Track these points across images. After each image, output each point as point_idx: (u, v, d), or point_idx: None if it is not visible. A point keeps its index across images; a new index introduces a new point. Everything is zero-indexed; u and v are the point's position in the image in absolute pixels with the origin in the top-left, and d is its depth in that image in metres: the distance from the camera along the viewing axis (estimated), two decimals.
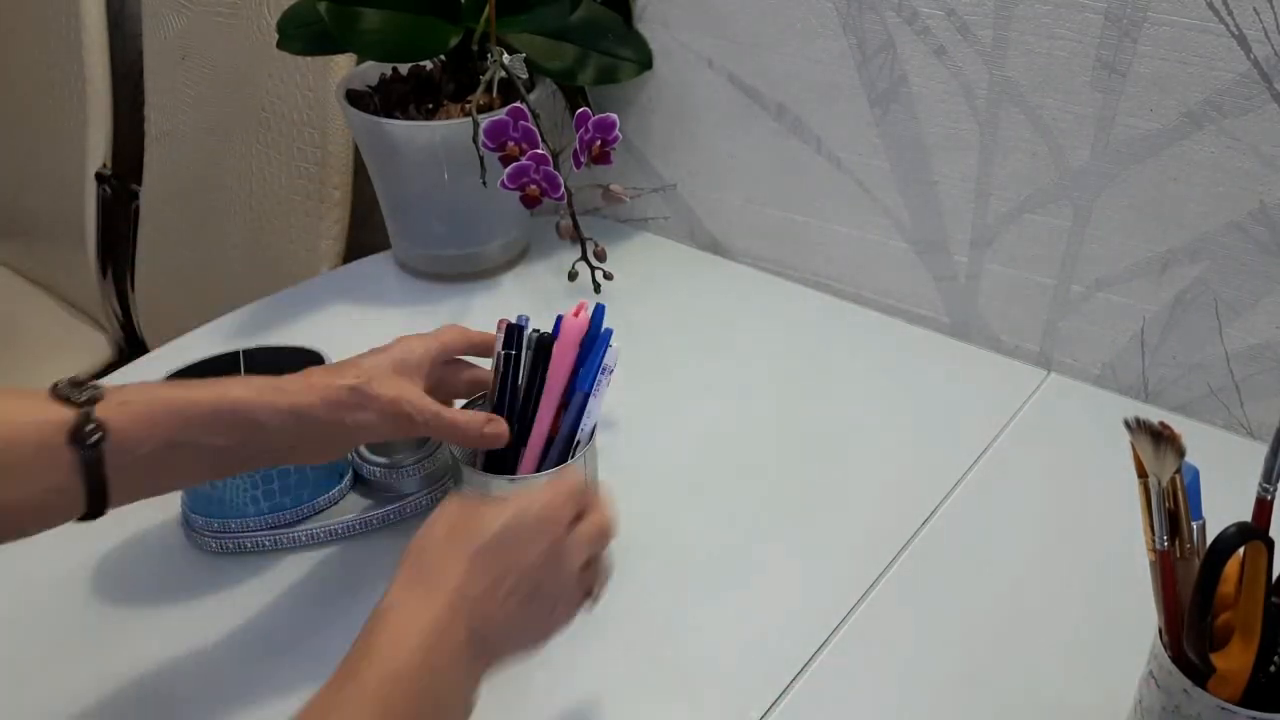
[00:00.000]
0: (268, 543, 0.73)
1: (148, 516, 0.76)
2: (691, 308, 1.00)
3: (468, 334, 0.72)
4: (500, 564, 0.53)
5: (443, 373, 0.70)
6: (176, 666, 0.67)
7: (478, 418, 0.68)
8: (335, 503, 0.75)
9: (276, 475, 0.72)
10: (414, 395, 0.65)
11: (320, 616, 0.70)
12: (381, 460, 0.76)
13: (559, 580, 0.55)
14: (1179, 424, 0.89)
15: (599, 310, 0.68)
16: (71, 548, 0.73)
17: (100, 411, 0.54)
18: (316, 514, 0.74)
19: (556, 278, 1.03)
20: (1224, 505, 0.77)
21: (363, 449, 0.76)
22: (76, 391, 0.55)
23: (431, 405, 0.66)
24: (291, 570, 0.73)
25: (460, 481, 0.70)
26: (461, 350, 0.71)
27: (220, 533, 0.73)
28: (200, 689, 0.65)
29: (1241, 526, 0.50)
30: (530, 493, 0.56)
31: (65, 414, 0.53)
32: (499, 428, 0.68)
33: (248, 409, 0.59)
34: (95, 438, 0.53)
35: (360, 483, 0.77)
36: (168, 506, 0.76)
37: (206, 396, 0.58)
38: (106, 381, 0.58)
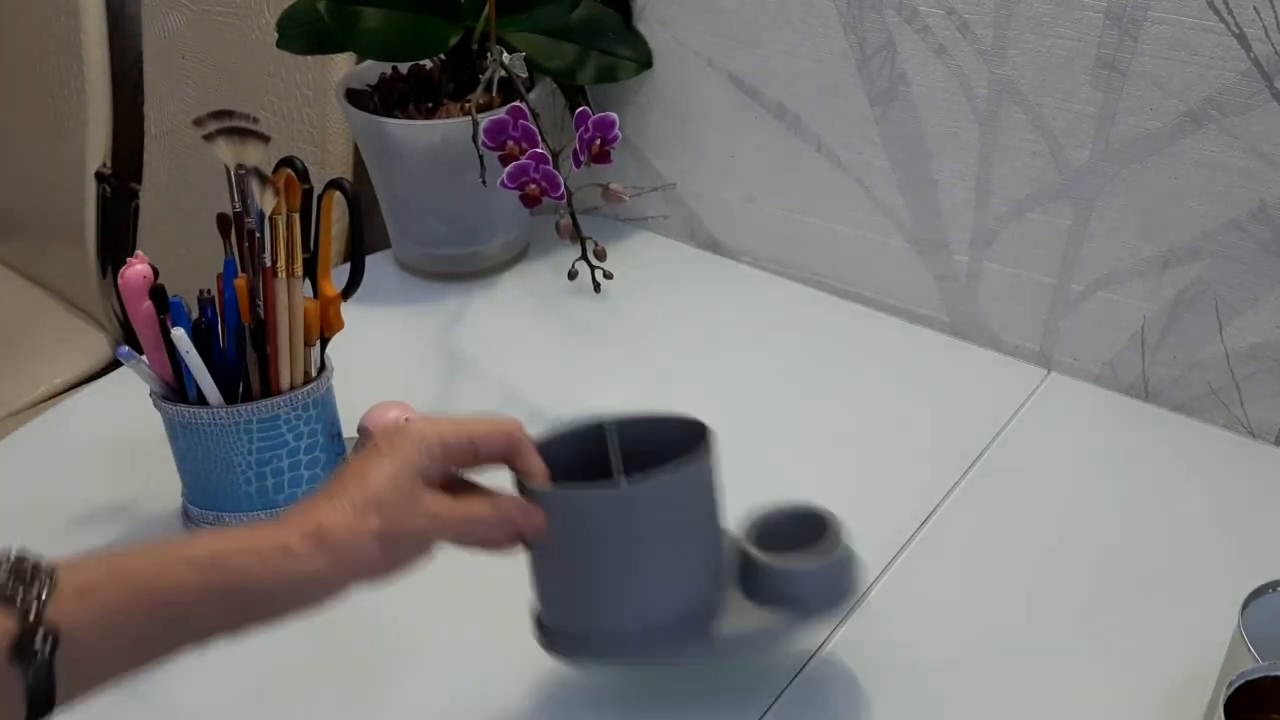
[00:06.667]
0: None
1: (147, 507, 0.76)
2: (691, 307, 1.00)
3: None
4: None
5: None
6: None
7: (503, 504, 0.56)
8: None
9: (270, 472, 0.72)
10: (441, 513, 0.53)
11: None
12: None
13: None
14: (1179, 424, 0.90)
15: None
16: (69, 537, 0.72)
17: (54, 612, 0.42)
18: None
19: (556, 277, 1.03)
20: (1223, 505, 0.77)
21: None
22: (23, 586, 0.42)
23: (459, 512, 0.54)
24: None
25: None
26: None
27: (216, 525, 0.73)
28: (188, 680, 0.65)
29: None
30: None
31: (4, 624, 0.41)
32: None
33: (252, 585, 0.47)
34: (44, 651, 0.41)
35: None
36: (168, 498, 0.76)
37: (192, 571, 0.46)
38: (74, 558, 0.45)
